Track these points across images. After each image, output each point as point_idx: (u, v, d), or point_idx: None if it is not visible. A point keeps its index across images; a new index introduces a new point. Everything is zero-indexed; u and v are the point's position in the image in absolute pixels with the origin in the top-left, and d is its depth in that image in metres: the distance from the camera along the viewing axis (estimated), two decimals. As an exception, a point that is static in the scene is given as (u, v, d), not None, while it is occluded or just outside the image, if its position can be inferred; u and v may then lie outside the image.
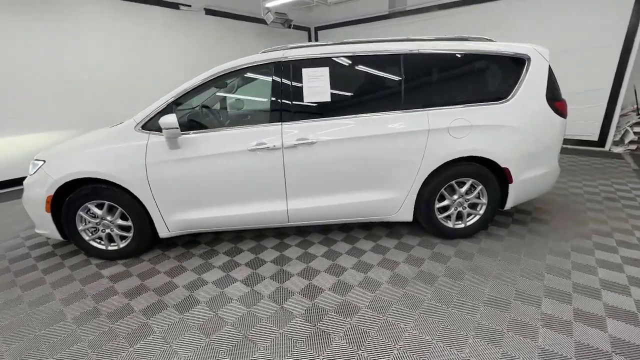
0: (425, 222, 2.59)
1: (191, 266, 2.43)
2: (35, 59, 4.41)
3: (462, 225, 2.62)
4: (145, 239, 2.50)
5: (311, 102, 2.36)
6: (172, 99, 2.33)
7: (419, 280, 2.15)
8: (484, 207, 2.57)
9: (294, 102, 2.34)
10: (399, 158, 2.38)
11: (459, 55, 2.39)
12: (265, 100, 2.44)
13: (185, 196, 2.38)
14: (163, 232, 2.48)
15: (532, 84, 2.42)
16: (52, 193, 2.33)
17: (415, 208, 2.57)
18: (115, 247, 2.51)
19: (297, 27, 8.37)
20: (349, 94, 2.43)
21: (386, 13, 7.41)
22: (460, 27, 6.50)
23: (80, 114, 4.91)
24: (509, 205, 2.58)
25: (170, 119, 2.12)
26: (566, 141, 5.84)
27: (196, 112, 2.71)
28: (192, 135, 2.32)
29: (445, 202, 2.54)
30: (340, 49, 2.38)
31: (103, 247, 2.51)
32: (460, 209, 2.58)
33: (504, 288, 2.03)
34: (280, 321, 1.83)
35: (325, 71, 2.36)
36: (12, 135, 4.38)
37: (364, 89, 2.44)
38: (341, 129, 2.33)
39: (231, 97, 3.02)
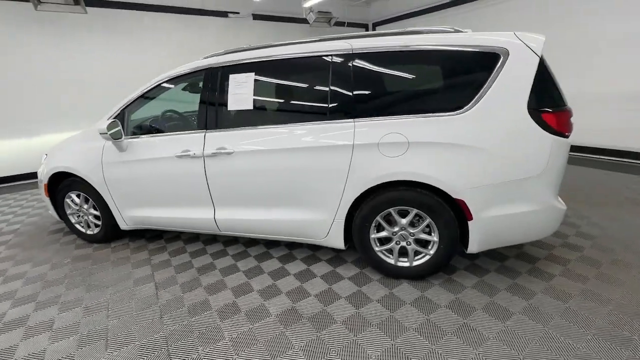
0: (361, 253, 2.18)
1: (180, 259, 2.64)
2: (123, 71, 5.42)
3: (408, 264, 2.11)
4: (111, 229, 2.83)
5: (235, 110, 2.25)
6: (123, 106, 2.55)
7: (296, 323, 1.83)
8: (435, 246, 2.02)
9: (218, 110, 2.27)
10: (319, 176, 2.06)
11: (401, 53, 1.91)
12: (196, 107, 2.44)
13: (131, 195, 2.59)
14: (122, 225, 2.76)
15: (505, 87, 1.75)
16: (46, 181, 2.87)
17: (350, 234, 2.20)
18: (91, 233, 2.93)
19: (353, 24, 8.09)
20: (274, 101, 2.22)
21: (447, 1, 6.47)
22: (540, 9, 5.20)
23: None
24: (473, 248, 1.96)
25: (102, 126, 2.33)
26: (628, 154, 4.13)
27: (147, 118, 2.87)
28: (135, 140, 2.49)
29: (384, 234, 2.09)
30: (268, 52, 2.18)
31: (83, 231, 2.96)
32: (403, 243, 2.08)
33: None
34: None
35: (250, 77, 2.20)
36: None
37: (290, 96, 2.19)
38: (259, 140, 2.15)
39: (178, 103, 3.04)
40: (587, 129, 5.01)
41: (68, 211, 2.93)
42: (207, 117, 2.29)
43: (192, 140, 2.30)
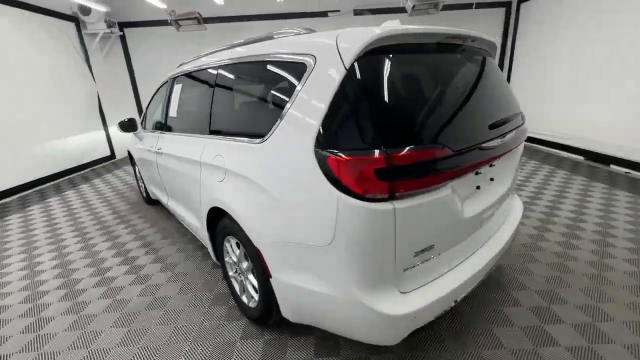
0: (224, 276, 2.10)
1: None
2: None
3: (247, 302, 1.87)
4: None
5: (170, 116, 2.57)
6: (147, 106, 3.35)
7: None
8: (259, 292, 1.69)
9: (165, 115, 2.66)
10: (189, 185, 2.11)
11: (232, 66, 1.66)
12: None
13: (147, 177, 3.42)
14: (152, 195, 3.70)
15: (302, 111, 1.22)
16: None
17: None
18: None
19: (486, 4, 6.48)
20: (183, 110, 2.37)
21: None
22: None
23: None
24: (287, 315, 1.53)
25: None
26: None
27: (153, 116, 3.40)
28: (141, 133, 3.26)
29: (233, 259, 1.92)
30: (195, 63, 2.33)
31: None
32: (241, 278, 1.85)
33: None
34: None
35: (179, 87, 2.45)
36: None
37: (191, 107, 2.28)
38: (169, 144, 2.41)
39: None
40: None
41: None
42: (163, 121, 2.74)
43: (154, 139, 2.82)
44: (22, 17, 4.84)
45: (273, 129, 1.36)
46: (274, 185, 1.33)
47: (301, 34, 1.51)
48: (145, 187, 3.72)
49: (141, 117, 3.39)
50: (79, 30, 5.99)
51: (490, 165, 1.55)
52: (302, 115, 1.23)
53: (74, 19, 5.89)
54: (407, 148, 1.07)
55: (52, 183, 5.22)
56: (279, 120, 1.34)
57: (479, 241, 1.56)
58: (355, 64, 1.11)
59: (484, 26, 6.48)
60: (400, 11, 6.16)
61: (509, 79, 6.55)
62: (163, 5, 5.47)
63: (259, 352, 1.68)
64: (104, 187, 4.85)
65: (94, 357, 1.72)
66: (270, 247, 1.42)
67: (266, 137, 1.39)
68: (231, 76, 1.76)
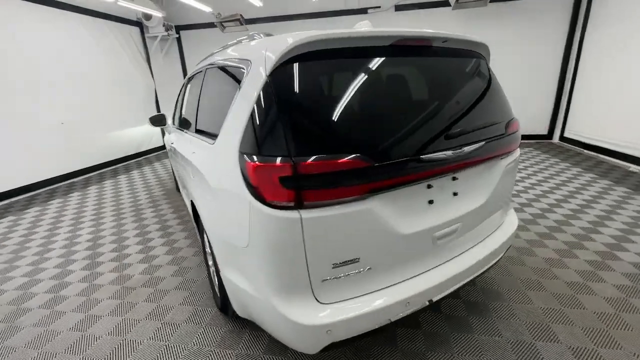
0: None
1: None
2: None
3: (218, 295, 1.98)
4: None
5: (178, 114, 2.79)
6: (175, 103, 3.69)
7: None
8: (218, 281, 1.79)
9: (179, 113, 2.90)
10: (185, 180, 2.29)
11: (209, 70, 1.75)
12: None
13: (172, 165, 3.79)
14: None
15: (235, 114, 1.27)
16: None
17: None
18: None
19: (551, -7, 5.71)
20: (185, 109, 2.55)
21: None
22: None
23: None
24: (234, 307, 1.60)
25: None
26: None
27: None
28: (169, 127, 3.59)
29: (207, 250, 2.05)
30: (197, 66, 2.51)
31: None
32: (213, 268, 1.97)
33: None
34: (104, 248, 2.94)
35: (187, 87, 2.65)
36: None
37: (188, 107, 2.44)
38: (177, 139, 2.62)
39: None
40: None
41: None
42: (176, 117, 2.99)
43: (173, 133, 3.10)
44: (94, 23, 5.65)
45: (220, 130, 1.43)
46: (216, 185, 1.40)
47: (254, 39, 1.54)
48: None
49: (173, 113, 3.74)
50: (142, 33, 6.78)
51: (453, 179, 1.42)
52: (234, 119, 1.28)
53: (139, 24, 6.69)
54: (316, 157, 1.05)
55: (110, 168, 6.04)
56: (224, 122, 1.40)
57: (439, 259, 1.44)
58: (275, 72, 1.12)
59: (546, 19, 5.71)
60: (444, 5, 5.75)
61: (574, 78, 5.71)
62: (207, 9, 5.89)
63: (217, 340, 1.78)
64: (150, 174, 5.46)
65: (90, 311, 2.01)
66: (218, 244, 1.51)
67: (217, 137, 1.47)
68: (208, 79, 1.87)
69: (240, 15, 5.99)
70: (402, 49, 1.34)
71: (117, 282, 2.39)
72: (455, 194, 1.44)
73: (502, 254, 1.75)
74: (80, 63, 5.41)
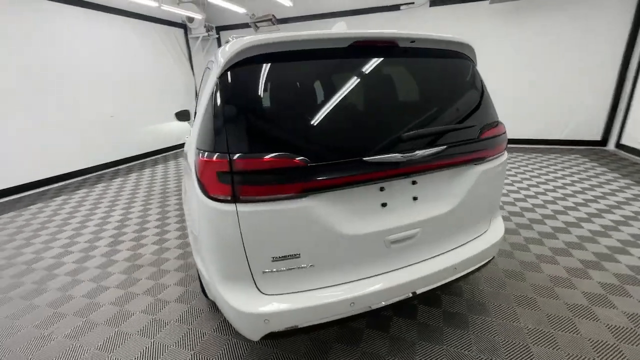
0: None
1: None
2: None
3: (204, 276, 2.14)
4: None
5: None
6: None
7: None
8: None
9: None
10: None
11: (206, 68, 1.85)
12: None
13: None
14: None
15: (199, 110, 1.39)
16: None
17: None
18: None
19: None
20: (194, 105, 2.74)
21: None
22: None
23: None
24: (205, 291, 1.73)
25: None
26: None
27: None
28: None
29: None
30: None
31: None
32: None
33: None
34: (127, 229, 3.30)
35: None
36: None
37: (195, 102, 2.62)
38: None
39: None
40: None
41: None
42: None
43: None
44: (143, 27, 6.25)
45: (194, 126, 1.56)
46: (187, 178, 1.53)
47: (228, 41, 1.63)
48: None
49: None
50: (185, 34, 7.33)
51: (413, 183, 1.39)
52: (198, 117, 1.39)
53: (183, 26, 7.24)
54: (251, 155, 1.11)
55: (151, 158, 6.65)
56: (196, 119, 1.52)
57: (395, 263, 1.42)
58: (223, 75, 1.20)
59: (602, 12, 5.07)
60: (481, -1, 5.39)
61: (636, 78, 5.01)
62: (242, 10, 6.18)
63: (198, 319, 1.94)
64: (182, 165, 5.93)
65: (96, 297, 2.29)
66: (189, 231, 1.64)
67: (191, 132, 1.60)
68: (204, 79, 2.02)
69: (273, 15, 6.19)
70: (364, 51, 1.34)
71: (130, 260, 2.68)
72: (415, 198, 1.41)
73: (480, 264, 1.66)
74: (131, 63, 6.03)
